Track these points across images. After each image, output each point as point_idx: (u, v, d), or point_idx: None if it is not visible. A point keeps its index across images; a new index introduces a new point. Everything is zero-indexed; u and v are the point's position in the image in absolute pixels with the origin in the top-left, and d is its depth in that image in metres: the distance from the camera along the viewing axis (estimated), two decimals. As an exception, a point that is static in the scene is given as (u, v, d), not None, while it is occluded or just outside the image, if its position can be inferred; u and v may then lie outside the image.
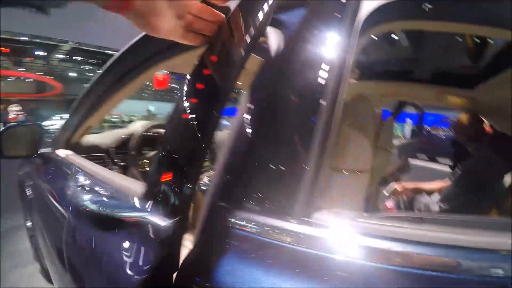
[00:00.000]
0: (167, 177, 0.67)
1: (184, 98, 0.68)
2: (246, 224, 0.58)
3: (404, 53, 1.91)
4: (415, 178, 2.61)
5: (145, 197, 0.74)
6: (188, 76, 0.70)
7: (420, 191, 2.24)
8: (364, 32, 0.72)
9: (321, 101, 0.60)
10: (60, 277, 1.20)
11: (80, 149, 1.69)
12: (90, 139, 2.00)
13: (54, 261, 1.26)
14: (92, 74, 42.49)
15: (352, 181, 0.97)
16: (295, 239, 0.53)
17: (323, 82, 0.61)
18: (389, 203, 2.02)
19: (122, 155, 2.13)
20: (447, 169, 3.28)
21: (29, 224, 1.98)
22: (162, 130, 2.45)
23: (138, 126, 2.31)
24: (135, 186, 0.86)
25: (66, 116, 1.73)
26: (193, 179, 0.64)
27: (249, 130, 0.64)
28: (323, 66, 0.63)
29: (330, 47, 0.65)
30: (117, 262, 0.69)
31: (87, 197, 0.91)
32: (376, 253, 0.47)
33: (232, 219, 0.60)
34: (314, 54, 0.66)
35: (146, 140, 2.14)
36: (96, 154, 1.91)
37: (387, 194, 2.11)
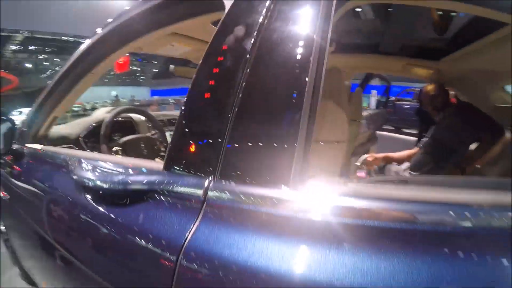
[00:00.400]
0: (192, 148, 0.71)
1: (203, 80, 0.75)
2: (243, 198, 0.61)
3: (372, 27, 1.95)
4: (382, 148, 2.69)
5: (170, 169, 0.76)
6: (203, 62, 0.77)
7: (390, 160, 2.33)
8: (341, 4, 0.74)
9: (306, 71, 0.63)
10: (52, 275, 1.19)
11: (49, 141, 1.64)
12: (58, 130, 1.95)
13: (43, 259, 1.23)
14: (49, 64, 40.70)
15: (331, 151, 1.00)
16: (292, 207, 0.56)
17: (307, 54, 0.63)
18: (361, 173, 2.08)
19: (92, 144, 2.08)
20: (412, 138, 3.39)
21: (2, 227, 1.90)
22: (133, 115, 2.41)
23: (103, 113, 2.25)
24: (145, 163, 0.90)
25: (26, 110, 1.67)
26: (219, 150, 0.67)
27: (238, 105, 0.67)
28: (306, 39, 0.65)
29: (309, 20, 0.67)
30: (151, 235, 0.70)
31: (102, 178, 0.88)
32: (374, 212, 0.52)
33: (229, 193, 0.63)
34: (295, 28, 0.68)
35: (117, 126, 2.09)
36: (66, 145, 1.86)
37: (359, 164, 2.17)
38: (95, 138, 2.01)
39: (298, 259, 0.52)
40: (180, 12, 1.08)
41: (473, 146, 2.19)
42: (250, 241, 0.57)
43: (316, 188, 0.58)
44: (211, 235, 0.61)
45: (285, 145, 0.60)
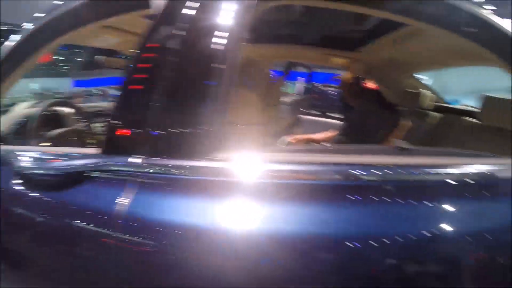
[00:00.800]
0: (125, 132, 0.81)
1: (135, 71, 0.85)
2: (172, 170, 0.74)
3: (293, 18, 2.05)
4: (308, 131, 2.86)
5: (108, 152, 0.85)
6: (136, 54, 0.85)
7: (310, 141, 2.49)
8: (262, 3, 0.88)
9: (223, 63, 0.77)
10: None
11: None
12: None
13: None
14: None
15: (248, 133, 1.13)
16: (210, 173, 0.73)
17: (225, 48, 0.78)
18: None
19: (20, 140, 2.04)
20: (336, 122, 3.62)
21: None
22: (58, 108, 2.36)
23: (25, 108, 2.19)
24: (83, 150, 1.00)
25: None
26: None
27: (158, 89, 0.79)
28: (220, 31, 0.79)
29: (229, 17, 0.81)
30: (98, 211, 0.78)
31: (46, 167, 0.91)
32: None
33: (159, 167, 0.75)
34: (216, 24, 0.81)
35: (46, 120, 2.06)
36: None
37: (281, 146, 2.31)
38: (22, 134, 1.97)
39: (220, 214, 0.69)
40: (109, 8, 1.15)
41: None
42: (179, 204, 0.71)
43: (230, 158, 0.73)
44: (147, 204, 0.73)
45: (205, 126, 0.75)
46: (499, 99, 1.53)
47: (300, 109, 3.82)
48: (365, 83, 2.50)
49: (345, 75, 2.52)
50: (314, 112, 4.50)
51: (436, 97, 2.67)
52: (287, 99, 3.71)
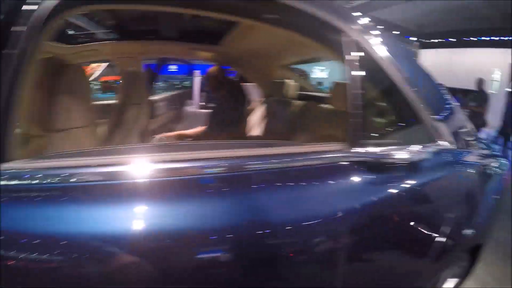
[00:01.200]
0: None
1: None
2: None
3: (153, 15, 2.06)
4: (193, 125, 2.90)
5: None
6: None
7: (183, 137, 2.54)
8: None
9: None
10: None
11: None
12: None
13: None
14: None
15: (80, 136, 1.15)
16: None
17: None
18: None
19: None
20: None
21: None
22: None
23: None
24: None
25: None
26: None
27: None
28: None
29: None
30: None
31: None
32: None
33: None
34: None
35: None
36: None
37: None
38: None
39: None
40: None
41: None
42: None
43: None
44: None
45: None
46: (343, 84, 1.66)
47: (181, 103, 3.85)
48: (226, 76, 2.57)
49: (211, 68, 2.57)
50: (199, 105, 4.57)
51: (305, 86, 2.87)
52: (164, 96, 3.69)
